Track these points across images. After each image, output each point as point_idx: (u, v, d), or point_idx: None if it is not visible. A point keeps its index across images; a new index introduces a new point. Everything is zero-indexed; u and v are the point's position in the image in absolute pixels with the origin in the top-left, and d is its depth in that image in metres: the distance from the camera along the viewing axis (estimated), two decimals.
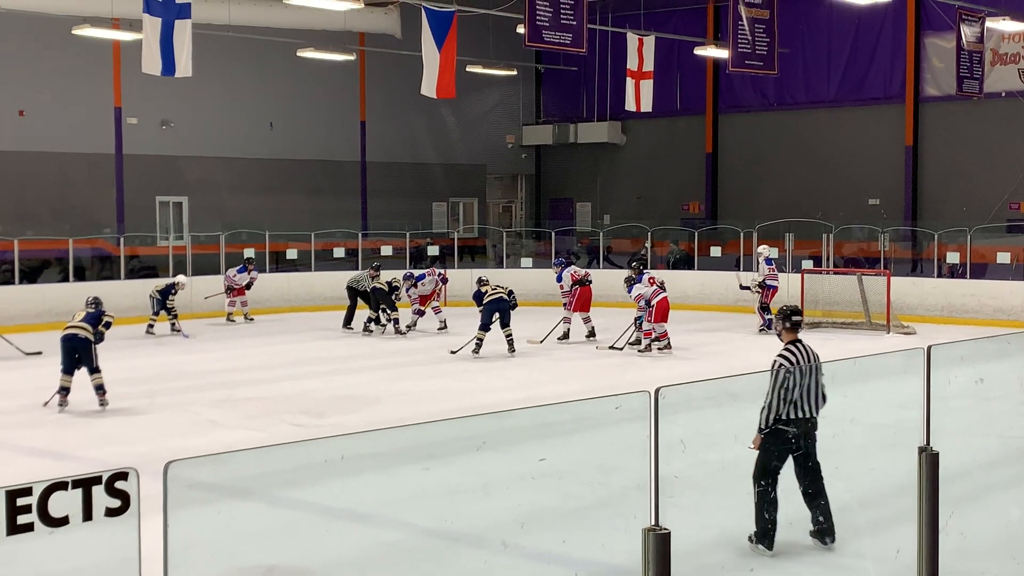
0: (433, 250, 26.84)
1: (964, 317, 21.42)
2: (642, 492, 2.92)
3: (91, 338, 12.92)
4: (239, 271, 22.04)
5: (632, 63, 22.79)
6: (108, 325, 13.32)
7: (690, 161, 32.12)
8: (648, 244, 26.97)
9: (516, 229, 33.07)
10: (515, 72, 32.56)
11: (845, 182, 28.87)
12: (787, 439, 7.38)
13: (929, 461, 3.47)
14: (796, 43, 27.38)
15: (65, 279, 22.42)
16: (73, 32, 21.95)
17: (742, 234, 25.25)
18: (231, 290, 21.96)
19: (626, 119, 32.10)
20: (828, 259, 24.05)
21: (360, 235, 27.00)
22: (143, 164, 26.90)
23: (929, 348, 3.52)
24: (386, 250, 25.76)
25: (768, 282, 20.14)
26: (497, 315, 17.30)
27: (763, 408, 7.32)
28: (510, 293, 17.70)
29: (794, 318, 7.96)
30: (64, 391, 12.87)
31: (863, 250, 26.21)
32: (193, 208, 28.01)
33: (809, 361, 7.75)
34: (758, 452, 7.48)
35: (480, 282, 18.23)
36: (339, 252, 26.57)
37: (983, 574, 5.12)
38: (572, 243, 30.43)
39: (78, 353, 12.87)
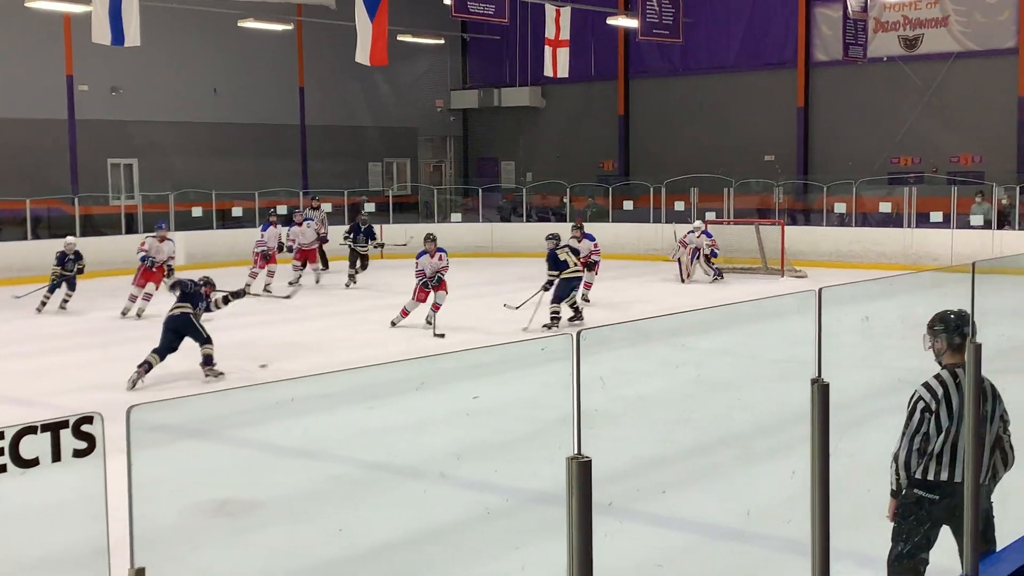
0: (369, 207, 26.68)
1: (851, 262, 21.84)
2: (566, 425, 2.96)
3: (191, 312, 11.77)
4: (264, 229, 19.41)
5: (550, 32, 22.68)
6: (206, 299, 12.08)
7: (604, 123, 32.17)
8: (567, 199, 27.05)
9: (446, 187, 32.93)
10: (443, 41, 32.33)
11: (744, 140, 29.13)
12: (927, 515, 4.83)
13: (820, 391, 3.55)
14: (699, 13, 27.45)
15: (24, 238, 21.96)
16: (26, 5, 21.31)
17: (652, 189, 25.43)
18: (265, 258, 18.97)
19: (546, 84, 32.02)
20: (729, 211, 24.32)
21: (301, 194, 26.73)
22: (95, 128, 26.30)
23: (820, 290, 3.59)
24: (326, 207, 25.52)
25: (715, 251, 20.24)
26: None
27: (891, 462, 4.94)
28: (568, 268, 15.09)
29: (965, 330, 4.70)
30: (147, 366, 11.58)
31: (760, 202, 26.53)
32: (143, 169, 27.47)
33: (982, 400, 4.65)
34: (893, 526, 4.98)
35: (554, 241, 15.33)
36: (282, 210, 26.30)
37: (868, 490, 5.27)
38: (498, 199, 30.43)
39: (184, 332, 11.72)
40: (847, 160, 26.97)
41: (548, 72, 23.14)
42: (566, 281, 15.02)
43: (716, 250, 20.28)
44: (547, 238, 15.63)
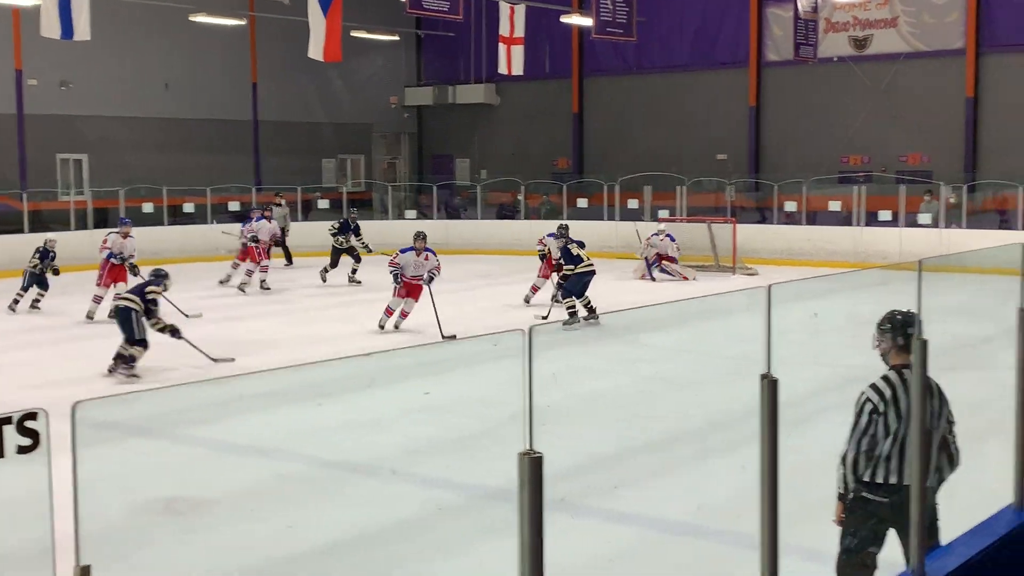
0: (323, 203, 26.55)
1: (801, 259, 22.02)
2: (518, 422, 2.95)
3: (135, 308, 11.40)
4: (256, 220, 18.85)
5: (504, 30, 22.68)
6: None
7: (558, 120, 32.23)
8: (522, 196, 27.08)
9: (400, 183, 32.82)
10: (397, 37, 32.25)
11: (697, 139, 29.31)
12: (873, 514, 4.78)
13: (769, 386, 3.57)
14: (653, 12, 27.57)
15: None
16: None
17: (606, 187, 25.52)
18: (249, 248, 18.43)
19: (500, 82, 32.01)
20: (682, 209, 24.45)
21: (254, 190, 26.54)
22: (44, 123, 25.93)
23: (770, 287, 3.62)
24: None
25: (671, 253, 20.11)
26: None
27: (838, 464, 4.85)
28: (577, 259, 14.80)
29: (910, 331, 4.63)
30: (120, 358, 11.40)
31: (713, 200, 26.69)
32: (93, 165, 27.13)
33: (929, 399, 4.56)
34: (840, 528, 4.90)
35: (564, 237, 15.05)
36: (234, 206, 26.10)
37: (816, 486, 5.32)
38: (453, 196, 30.39)
39: (121, 325, 11.39)
40: (798, 159, 27.22)
41: (502, 69, 23.14)
42: (579, 276, 14.69)
43: (676, 254, 20.29)
44: (557, 236, 15.33)
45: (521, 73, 23.51)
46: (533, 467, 2.87)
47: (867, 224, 22.30)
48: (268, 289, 18.51)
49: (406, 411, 5.53)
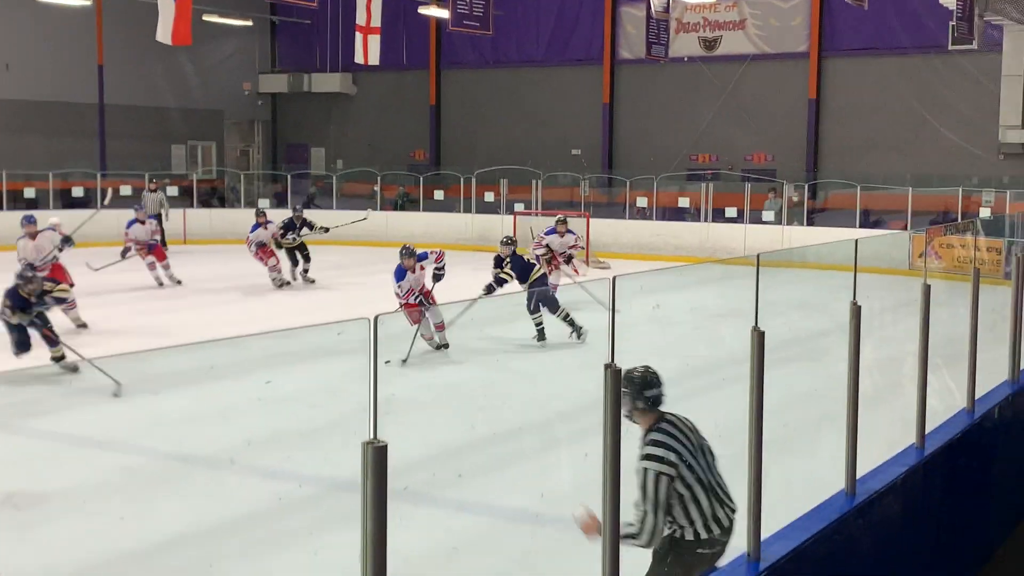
0: (172, 190, 25.84)
1: (652, 254, 22.51)
2: (366, 412, 2.94)
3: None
4: (253, 230, 17.81)
5: (361, 18, 22.39)
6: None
7: (416, 112, 32.11)
8: (378, 187, 26.91)
9: (254, 172, 32.17)
10: (251, 23, 31.58)
11: (552, 134, 29.59)
12: (695, 563, 4.42)
13: (613, 376, 3.64)
14: (510, 7, 27.71)
15: None
16: None
17: (462, 179, 25.57)
18: (262, 247, 17.68)
19: (357, 71, 31.69)
20: (537, 202, 24.69)
21: (99, 175, 25.64)
22: None
23: (613, 279, 3.68)
24: (125, 190, 24.54)
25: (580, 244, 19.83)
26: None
27: (636, 532, 4.24)
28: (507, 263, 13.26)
29: (648, 393, 4.41)
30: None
31: (567, 195, 27.01)
32: None
33: (696, 444, 4.41)
34: None
35: (512, 244, 13.60)
36: (78, 191, 25.18)
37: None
38: (308, 186, 29.98)
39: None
40: (649, 156, 27.75)
41: (359, 59, 22.83)
42: (542, 283, 13.61)
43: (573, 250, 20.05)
44: (556, 232, 14.68)
45: (378, 63, 23.24)
46: (377, 456, 2.86)
47: (714, 220, 22.93)
48: (162, 285, 17.80)
49: (250, 402, 5.42)
